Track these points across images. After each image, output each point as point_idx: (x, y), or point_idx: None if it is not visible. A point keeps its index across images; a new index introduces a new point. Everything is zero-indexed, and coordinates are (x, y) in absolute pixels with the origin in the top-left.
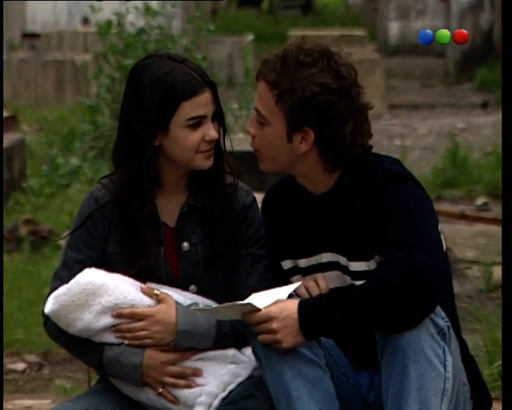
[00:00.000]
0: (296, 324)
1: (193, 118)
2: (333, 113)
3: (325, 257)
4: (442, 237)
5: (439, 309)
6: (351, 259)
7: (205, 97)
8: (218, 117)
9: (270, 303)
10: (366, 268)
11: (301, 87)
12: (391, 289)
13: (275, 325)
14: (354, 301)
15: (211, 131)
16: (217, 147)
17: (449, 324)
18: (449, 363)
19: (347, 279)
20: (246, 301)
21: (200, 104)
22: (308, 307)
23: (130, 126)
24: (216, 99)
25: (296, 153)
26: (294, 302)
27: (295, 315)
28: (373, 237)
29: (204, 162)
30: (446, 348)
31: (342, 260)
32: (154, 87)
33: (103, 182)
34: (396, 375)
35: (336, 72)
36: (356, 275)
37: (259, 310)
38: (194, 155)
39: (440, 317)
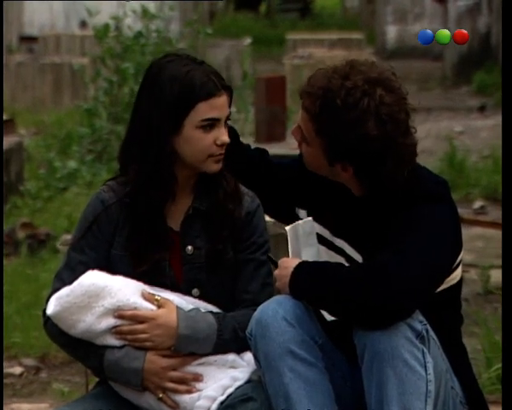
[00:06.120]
0: (287, 277)
1: (207, 119)
2: (372, 156)
3: (338, 242)
4: (459, 268)
5: (416, 313)
6: (356, 248)
7: (221, 100)
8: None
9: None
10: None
11: (341, 134)
12: (349, 275)
13: (277, 272)
14: (329, 275)
15: (223, 135)
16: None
17: (427, 327)
18: (429, 365)
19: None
20: None
21: (216, 106)
22: (304, 268)
23: (147, 119)
24: (231, 104)
25: (337, 173)
26: (295, 261)
27: (291, 270)
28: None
29: (214, 166)
30: (426, 351)
31: (350, 250)
32: (172, 84)
33: (109, 184)
34: (376, 382)
35: (377, 116)
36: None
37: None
38: (205, 158)
39: (418, 320)
